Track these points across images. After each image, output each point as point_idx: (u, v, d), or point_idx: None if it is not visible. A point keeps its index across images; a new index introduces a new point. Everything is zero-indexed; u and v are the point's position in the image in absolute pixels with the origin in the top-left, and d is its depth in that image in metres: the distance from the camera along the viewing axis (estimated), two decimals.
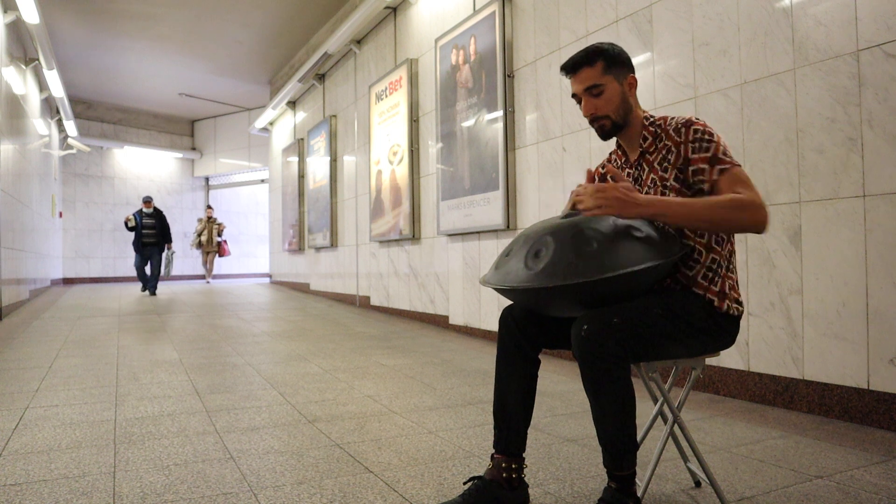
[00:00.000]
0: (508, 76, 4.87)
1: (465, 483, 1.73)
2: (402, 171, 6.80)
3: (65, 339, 5.22)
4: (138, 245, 10.04)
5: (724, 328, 1.62)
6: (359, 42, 8.28)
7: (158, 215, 10.28)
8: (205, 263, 14.11)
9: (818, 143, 2.68)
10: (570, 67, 1.71)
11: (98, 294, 10.46)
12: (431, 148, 6.24)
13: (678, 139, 1.62)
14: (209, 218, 13.95)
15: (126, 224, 10.00)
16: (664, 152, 1.66)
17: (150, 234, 10.10)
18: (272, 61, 11.95)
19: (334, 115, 9.27)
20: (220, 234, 13.85)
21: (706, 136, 1.58)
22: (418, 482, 1.95)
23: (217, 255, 13.98)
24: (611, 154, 1.87)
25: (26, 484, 1.93)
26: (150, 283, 9.98)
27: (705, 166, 1.57)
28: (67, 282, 14.60)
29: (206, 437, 2.44)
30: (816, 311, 2.69)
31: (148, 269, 10.26)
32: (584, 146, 4.09)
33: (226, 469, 2.07)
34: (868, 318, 2.50)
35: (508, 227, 4.83)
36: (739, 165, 1.57)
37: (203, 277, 16.68)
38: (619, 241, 1.46)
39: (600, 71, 1.67)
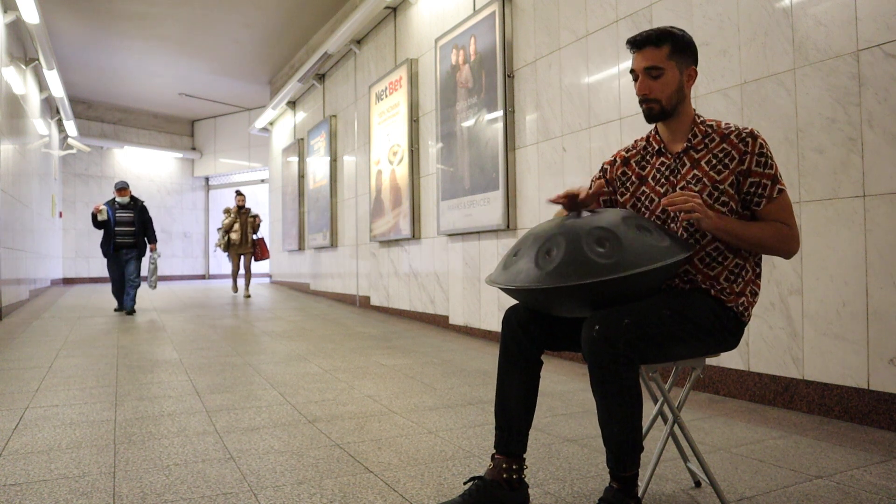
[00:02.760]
0: (508, 76, 4.87)
1: (465, 483, 1.73)
2: (402, 171, 6.80)
3: (65, 339, 5.21)
4: (108, 247, 7.36)
5: (729, 330, 1.63)
6: (359, 42, 8.28)
7: (137, 208, 7.58)
8: (236, 271, 9.92)
9: (818, 143, 2.68)
10: (638, 43, 1.68)
11: (98, 294, 10.45)
12: (431, 148, 6.24)
13: (744, 148, 1.63)
14: (240, 208, 9.77)
15: (94, 217, 7.39)
16: (720, 155, 1.66)
17: (126, 231, 7.43)
18: (272, 61, 11.95)
19: (334, 115, 9.27)
20: (256, 231, 9.82)
21: (769, 154, 1.64)
22: (418, 482, 1.95)
23: (253, 257, 9.85)
24: (637, 141, 1.85)
25: (26, 484, 1.93)
26: (125, 296, 7.31)
27: (768, 183, 1.62)
28: (67, 282, 14.60)
29: (206, 437, 2.44)
30: (816, 311, 2.69)
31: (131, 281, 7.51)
32: (584, 146, 4.09)
33: (226, 469, 2.07)
34: (868, 318, 2.50)
35: (508, 227, 4.83)
36: (786, 188, 1.65)
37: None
38: (630, 241, 1.47)
39: (665, 54, 1.66)
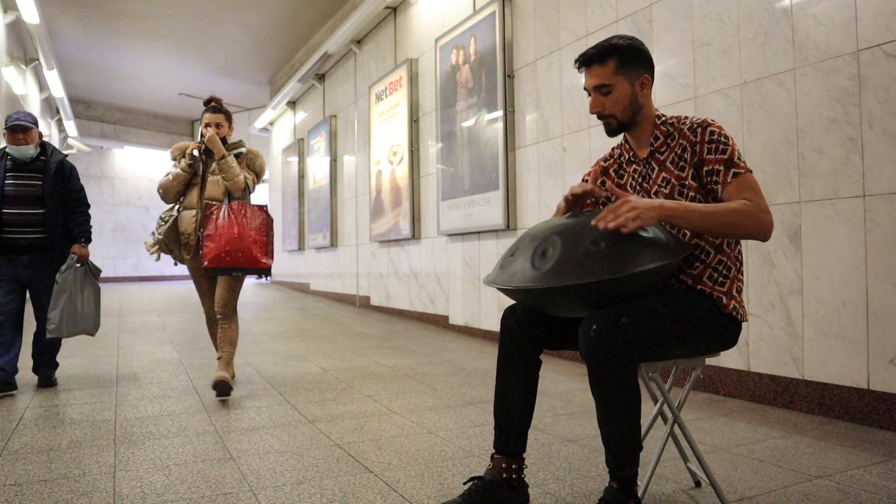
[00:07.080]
0: (508, 76, 4.86)
1: (465, 483, 1.73)
2: (402, 171, 6.80)
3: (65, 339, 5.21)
4: None
5: (728, 329, 1.63)
6: (359, 42, 8.28)
7: (52, 169, 3.34)
8: (209, 318, 3.51)
9: (818, 143, 2.68)
10: (583, 62, 1.70)
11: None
12: (431, 148, 6.24)
13: (694, 139, 1.63)
14: (206, 149, 3.33)
15: None
16: (679, 151, 1.66)
17: (27, 217, 3.27)
18: (272, 61, 11.95)
19: (334, 115, 9.27)
20: (245, 191, 3.32)
21: (722, 139, 1.60)
22: (418, 482, 1.95)
23: (241, 274, 3.20)
24: (614, 149, 1.87)
25: (26, 484, 1.93)
26: (37, 352, 3.49)
27: (720, 168, 1.58)
28: None
29: (206, 437, 2.44)
30: (816, 311, 2.69)
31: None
32: (584, 146, 4.09)
33: (226, 469, 2.07)
34: (868, 318, 2.50)
35: (508, 227, 4.83)
36: (751, 171, 1.59)
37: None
38: (627, 241, 1.46)
39: (611, 71, 1.66)
